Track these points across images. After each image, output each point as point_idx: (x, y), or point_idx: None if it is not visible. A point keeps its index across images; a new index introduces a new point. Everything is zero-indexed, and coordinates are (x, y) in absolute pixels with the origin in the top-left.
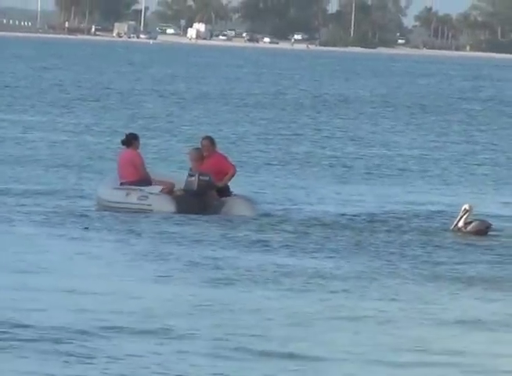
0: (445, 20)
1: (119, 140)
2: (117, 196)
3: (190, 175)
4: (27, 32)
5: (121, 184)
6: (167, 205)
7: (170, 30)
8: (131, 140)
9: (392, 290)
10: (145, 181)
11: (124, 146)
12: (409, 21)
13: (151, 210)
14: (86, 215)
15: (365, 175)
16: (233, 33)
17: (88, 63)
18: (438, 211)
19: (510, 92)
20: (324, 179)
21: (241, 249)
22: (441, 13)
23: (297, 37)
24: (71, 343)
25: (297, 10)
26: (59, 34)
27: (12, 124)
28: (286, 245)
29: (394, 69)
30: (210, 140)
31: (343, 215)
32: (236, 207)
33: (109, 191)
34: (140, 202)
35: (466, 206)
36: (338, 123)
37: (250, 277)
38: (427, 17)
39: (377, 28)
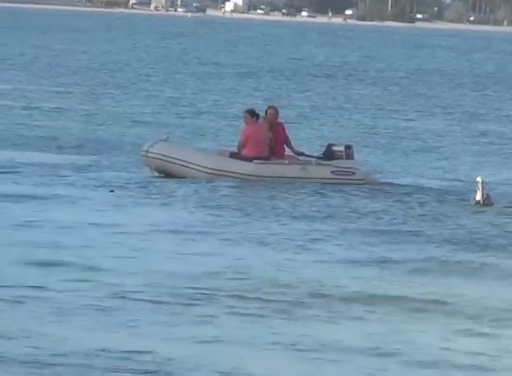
0: None
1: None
2: (286, 170)
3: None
4: (63, 5)
5: (250, 159)
6: (376, 179)
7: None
8: (258, 115)
9: None
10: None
11: (254, 120)
12: None
13: (364, 184)
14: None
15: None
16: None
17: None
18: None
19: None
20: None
21: None
22: None
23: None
24: None
25: None
26: (97, 7)
27: None
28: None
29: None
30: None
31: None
32: None
33: (258, 165)
34: (343, 177)
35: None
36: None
37: None
38: None
39: (415, 2)
